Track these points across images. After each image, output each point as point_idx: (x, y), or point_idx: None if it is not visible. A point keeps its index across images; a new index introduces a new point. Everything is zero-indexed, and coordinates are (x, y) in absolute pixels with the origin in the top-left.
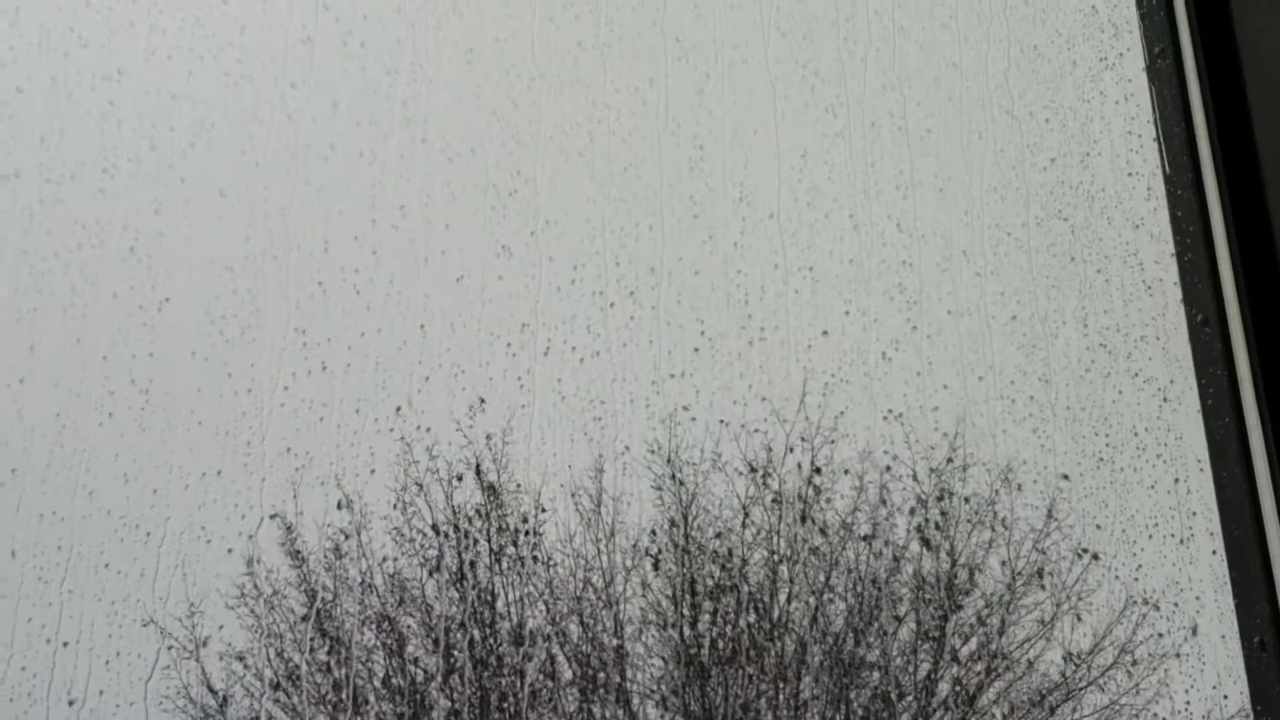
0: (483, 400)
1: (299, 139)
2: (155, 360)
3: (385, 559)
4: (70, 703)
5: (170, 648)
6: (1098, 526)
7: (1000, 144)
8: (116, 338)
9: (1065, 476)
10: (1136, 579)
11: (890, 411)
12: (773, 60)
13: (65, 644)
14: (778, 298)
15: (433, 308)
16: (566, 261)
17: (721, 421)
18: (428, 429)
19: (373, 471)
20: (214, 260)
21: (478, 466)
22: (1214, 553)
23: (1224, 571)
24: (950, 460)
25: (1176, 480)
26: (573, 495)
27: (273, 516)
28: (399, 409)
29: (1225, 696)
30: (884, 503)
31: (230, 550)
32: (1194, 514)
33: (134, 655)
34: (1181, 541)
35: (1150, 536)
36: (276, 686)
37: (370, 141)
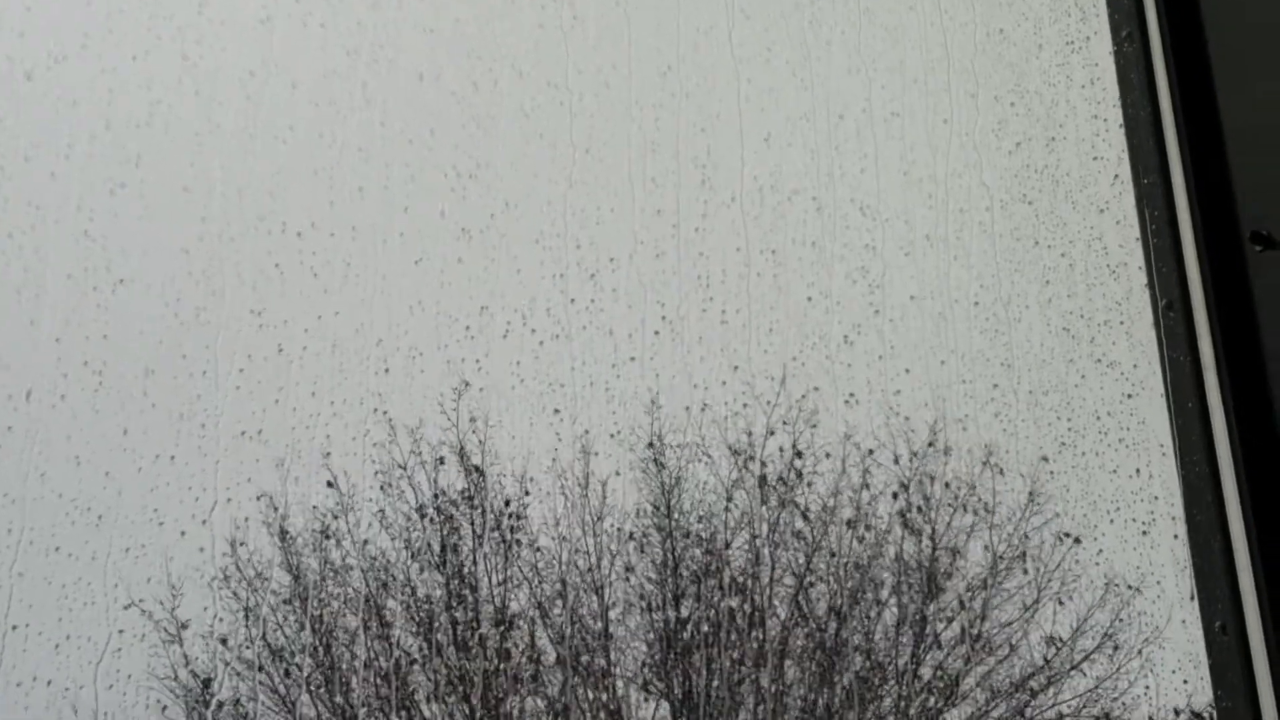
0: (467, 383)
1: (257, 120)
2: (109, 342)
3: (368, 541)
4: (18, 684)
5: (122, 631)
6: (1056, 514)
7: (965, 128)
8: (70, 319)
9: (1045, 459)
10: (1097, 563)
11: (851, 395)
12: (736, 43)
13: (14, 627)
14: (740, 280)
15: (391, 290)
16: (526, 244)
17: (686, 408)
18: (384, 412)
19: (328, 454)
20: (169, 242)
21: (462, 450)
22: (1175, 537)
23: (1185, 556)
24: (931, 444)
25: (1139, 466)
26: (531, 480)
27: (259, 498)
28: (369, 407)
29: (1185, 681)
30: (867, 486)
31: (184, 533)
32: (1156, 498)
33: (84, 639)
34: (1143, 527)
35: (1112, 521)
36: (260, 668)
37: (329, 123)
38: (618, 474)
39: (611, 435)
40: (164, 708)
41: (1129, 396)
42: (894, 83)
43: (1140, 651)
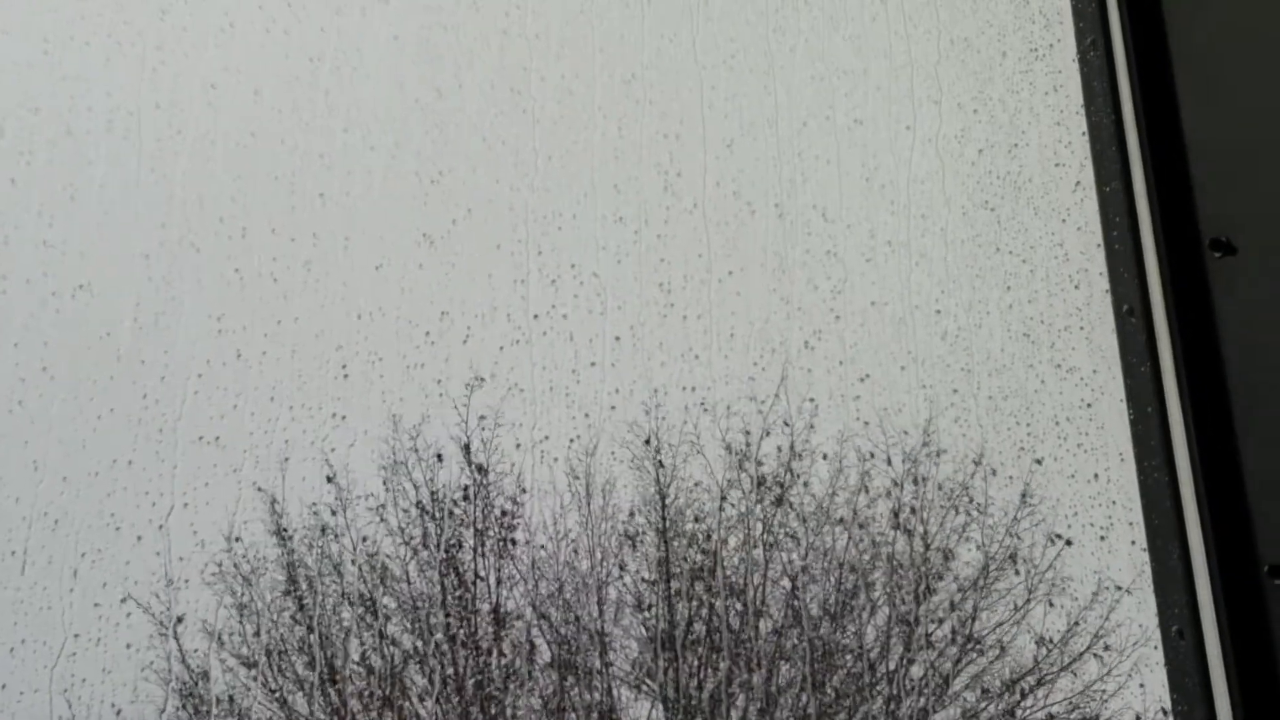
0: (481, 379)
1: (218, 126)
2: (68, 348)
3: (366, 538)
4: None
5: (77, 635)
6: (1015, 521)
7: (928, 134)
8: (29, 324)
9: (1039, 461)
10: (1053, 567)
11: (810, 400)
12: (700, 50)
13: None
14: (701, 286)
15: (351, 296)
16: (488, 250)
17: (648, 413)
18: (343, 417)
19: (286, 459)
20: (130, 247)
21: (467, 447)
22: (1133, 542)
23: (1143, 561)
24: (925, 444)
25: (1097, 471)
26: (521, 479)
27: (260, 489)
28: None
29: (1142, 685)
30: (865, 489)
31: (140, 538)
32: (1114, 503)
33: (39, 643)
34: (1101, 532)
35: (1070, 526)
36: (253, 665)
37: (291, 129)
38: (574, 477)
39: (571, 441)
40: (118, 711)
41: (1089, 405)
42: (857, 89)
43: (1099, 656)
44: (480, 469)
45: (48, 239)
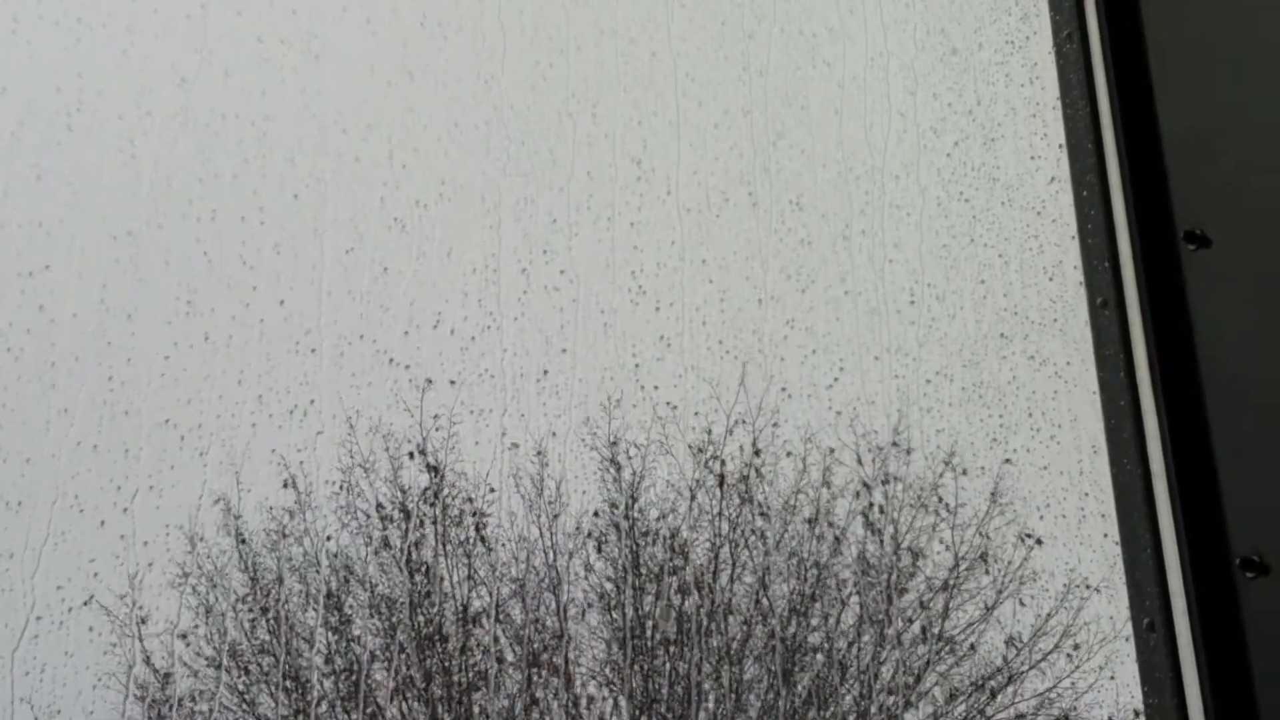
0: (430, 380)
1: (188, 108)
2: (32, 328)
3: (331, 536)
4: None
5: (39, 618)
6: (986, 520)
7: (904, 125)
8: None
9: (1009, 460)
10: (1027, 559)
11: (783, 390)
12: (676, 37)
13: None
14: (674, 274)
15: (321, 280)
16: (459, 235)
17: (617, 402)
18: (311, 401)
19: (250, 444)
20: (97, 228)
21: (423, 449)
22: (1105, 535)
23: (1115, 553)
24: (894, 443)
25: (1069, 464)
26: (487, 477)
27: (215, 502)
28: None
29: (1112, 677)
30: (827, 484)
31: (104, 522)
32: (1086, 495)
33: (0, 625)
34: (1074, 525)
35: (1042, 518)
36: (218, 665)
37: (261, 111)
38: (540, 468)
39: (541, 438)
40: (80, 695)
41: (1062, 382)
42: (832, 79)
43: (1068, 653)
44: (436, 471)
45: (13, 219)
